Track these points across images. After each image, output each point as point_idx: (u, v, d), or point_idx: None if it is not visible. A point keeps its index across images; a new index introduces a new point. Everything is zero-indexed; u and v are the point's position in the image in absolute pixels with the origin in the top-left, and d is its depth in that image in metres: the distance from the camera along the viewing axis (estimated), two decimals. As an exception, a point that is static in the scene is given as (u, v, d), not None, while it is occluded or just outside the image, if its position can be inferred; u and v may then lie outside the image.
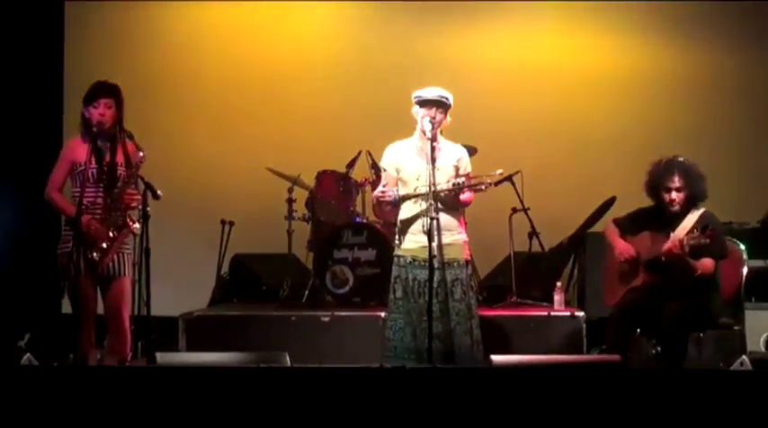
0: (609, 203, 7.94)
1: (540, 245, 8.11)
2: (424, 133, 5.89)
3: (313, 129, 8.95)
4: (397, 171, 6.00)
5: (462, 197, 5.91)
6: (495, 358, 5.06)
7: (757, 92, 8.88)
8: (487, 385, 4.27)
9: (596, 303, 7.04)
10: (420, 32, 9.02)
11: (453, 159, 5.98)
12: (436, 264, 5.78)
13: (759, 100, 8.88)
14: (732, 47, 8.86)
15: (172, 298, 7.10)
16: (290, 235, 8.09)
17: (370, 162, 7.94)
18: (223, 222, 8.34)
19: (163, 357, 5.02)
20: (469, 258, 6.03)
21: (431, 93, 5.92)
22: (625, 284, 6.29)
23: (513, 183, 7.88)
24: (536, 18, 9.04)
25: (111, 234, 5.71)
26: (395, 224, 6.11)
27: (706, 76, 8.91)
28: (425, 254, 5.73)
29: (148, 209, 5.70)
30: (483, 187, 5.92)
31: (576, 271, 8.09)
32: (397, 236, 6.04)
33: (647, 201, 6.35)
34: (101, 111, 5.75)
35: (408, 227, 5.94)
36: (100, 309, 5.87)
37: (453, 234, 5.93)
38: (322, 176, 7.97)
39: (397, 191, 5.94)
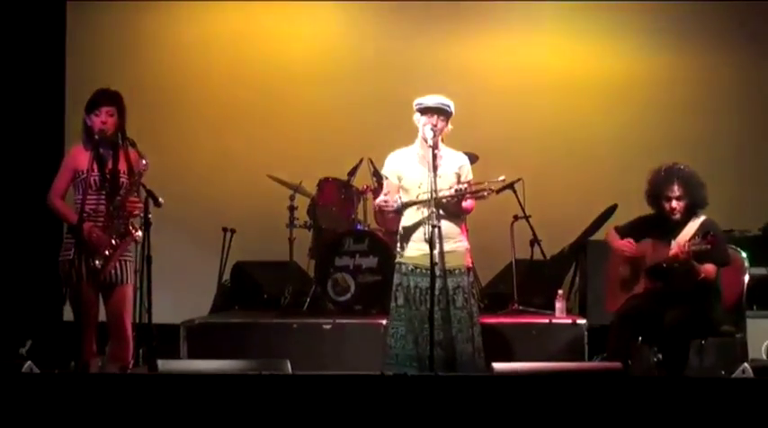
0: (610, 211, 7.95)
1: (542, 252, 8.11)
2: (425, 141, 5.89)
3: (314, 136, 8.95)
4: (399, 179, 6.01)
5: (464, 204, 5.92)
6: (497, 365, 5.07)
7: (757, 95, 8.88)
8: (489, 393, 4.27)
9: (598, 311, 7.03)
10: (422, 40, 9.02)
11: (455, 167, 5.98)
12: (438, 272, 5.78)
13: (759, 103, 8.87)
14: (732, 50, 8.86)
15: (173, 305, 7.11)
16: (292, 242, 8.10)
17: (372, 169, 7.94)
18: (225, 230, 8.34)
19: (164, 364, 5.02)
20: (471, 266, 6.03)
21: (432, 100, 5.93)
22: (626, 291, 6.29)
23: (515, 191, 7.89)
24: (537, 25, 9.05)
25: (113, 241, 5.72)
26: (396, 231, 6.11)
27: (707, 82, 8.91)
28: (427, 262, 5.72)
29: (150, 216, 5.70)
30: (485, 194, 5.92)
31: (577, 278, 8.09)
32: (398, 244, 6.04)
33: (648, 209, 6.35)
34: (102, 119, 5.76)
35: (410, 235, 5.94)
36: (102, 317, 5.87)
37: (455, 241, 5.93)
38: (323, 184, 7.97)
39: (400, 198, 5.94)
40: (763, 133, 8.85)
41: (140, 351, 6.03)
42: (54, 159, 8.38)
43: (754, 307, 7.14)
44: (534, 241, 8.04)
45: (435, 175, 5.82)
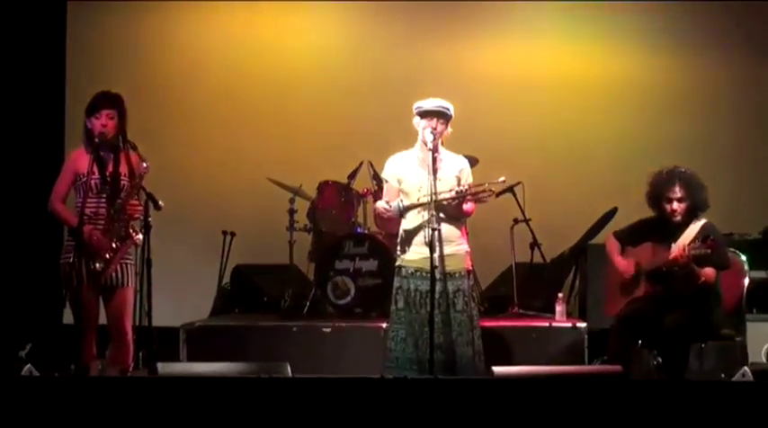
0: (610, 214, 7.95)
1: (542, 255, 8.11)
2: (425, 144, 5.89)
3: (314, 139, 8.95)
4: (399, 182, 6.01)
5: (465, 207, 5.91)
6: (497, 369, 5.07)
7: (756, 97, 8.88)
8: (489, 396, 4.27)
9: (598, 314, 7.03)
10: (421, 44, 9.02)
11: (455, 170, 5.98)
12: (438, 275, 5.78)
13: (758, 105, 8.87)
14: (730, 51, 8.85)
15: (173, 308, 7.12)
16: (292, 245, 8.10)
17: (372, 173, 7.94)
18: (224, 233, 8.33)
19: (164, 367, 5.02)
20: (471, 269, 6.03)
21: (431, 103, 5.93)
22: (626, 295, 6.29)
23: (515, 194, 7.89)
24: (537, 29, 9.04)
25: (113, 244, 5.72)
26: (396, 235, 6.11)
27: (706, 84, 8.90)
28: (427, 265, 5.72)
29: (150, 219, 5.70)
30: (486, 195, 5.92)
31: (577, 281, 8.09)
32: (398, 247, 6.04)
33: (648, 212, 6.35)
34: (103, 122, 5.76)
35: (410, 238, 5.94)
36: (102, 320, 5.88)
37: (455, 244, 5.93)
38: (323, 187, 7.97)
39: (401, 201, 5.93)
40: (762, 135, 8.84)
41: (140, 354, 6.04)
42: (54, 161, 8.40)
43: (754, 311, 7.14)
44: (534, 244, 8.04)
45: (435, 178, 5.82)
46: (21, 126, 8.53)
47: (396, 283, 5.99)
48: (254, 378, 4.59)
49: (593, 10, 8.98)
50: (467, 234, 6.06)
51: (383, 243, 7.49)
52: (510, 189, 7.83)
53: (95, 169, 5.75)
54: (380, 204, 6.03)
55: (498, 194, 7.60)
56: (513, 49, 9.10)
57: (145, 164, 5.77)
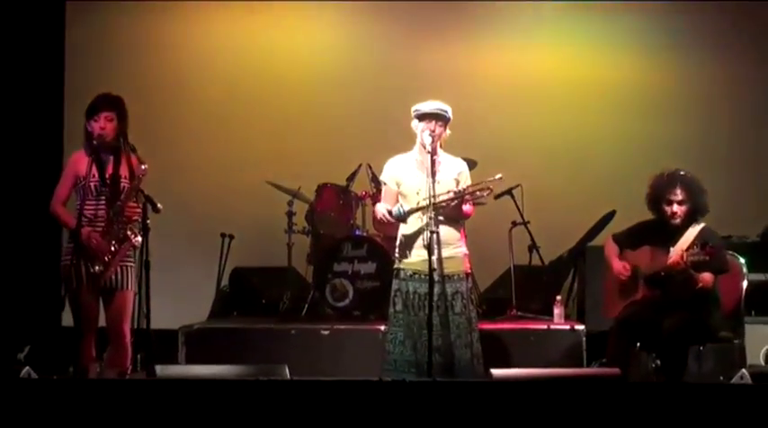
0: (609, 217, 7.95)
1: (540, 258, 8.11)
2: (423, 147, 5.89)
3: (313, 142, 8.95)
4: (398, 185, 6.01)
5: (464, 208, 5.92)
6: (495, 371, 5.08)
7: (755, 99, 8.88)
8: (487, 398, 4.27)
9: (596, 316, 7.03)
10: (420, 45, 9.02)
11: (454, 173, 5.98)
12: (436, 278, 5.78)
13: (757, 107, 8.87)
14: (730, 55, 8.85)
15: (171, 310, 7.09)
16: (290, 248, 8.09)
17: (371, 175, 7.94)
18: (223, 235, 8.33)
19: (162, 370, 5.02)
20: (470, 271, 6.03)
21: (429, 106, 5.93)
22: (625, 298, 6.29)
23: (513, 197, 7.90)
24: (535, 31, 9.05)
25: (112, 247, 5.72)
26: (395, 237, 6.11)
27: (706, 88, 8.90)
28: (426, 268, 5.72)
29: (148, 222, 5.70)
30: (484, 195, 5.92)
31: (575, 284, 8.09)
32: (397, 250, 6.04)
33: (646, 215, 6.36)
34: (101, 125, 5.77)
35: (409, 241, 5.94)
36: (102, 322, 5.88)
37: (453, 247, 5.93)
38: (322, 189, 7.97)
39: (402, 206, 5.93)
40: (761, 136, 8.84)
41: (139, 356, 6.03)
42: (53, 163, 8.42)
43: (753, 313, 7.14)
44: (533, 247, 8.04)
45: (434, 181, 5.82)
46: (19, 127, 8.52)
47: (394, 286, 5.99)
48: (252, 381, 4.59)
49: (591, 11, 8.98)
50: (465, 237, 6.06)
51: (381, 245, 7.49)
52: (508, 191, 7.84)
53: (94, 172, 5.75)
54: (380, 210, 6.01)
55: (497, 197, 7.62)
56: (511, 52, 9.10)
57: (143, 167, 5.77)
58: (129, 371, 5.82)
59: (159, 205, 5.73)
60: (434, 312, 5.75)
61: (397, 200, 6.00)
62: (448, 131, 5.98)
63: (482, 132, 8.52)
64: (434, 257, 5.73)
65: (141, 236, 5.71)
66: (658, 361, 6.26)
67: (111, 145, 5.80)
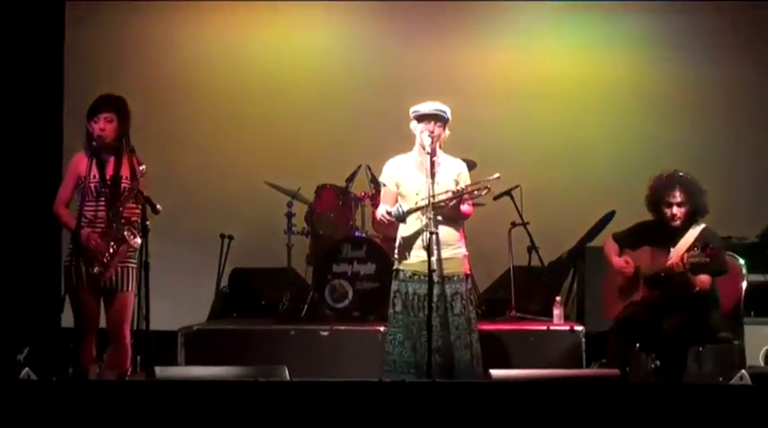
0: (608, 217, 7.95)
1: (540, 259, 8.11)
2: (423, 148, 5.89)
3: (312, 143, 8.94)
4: (397, 186, 6.01)
5: (463, 208, 5.91)
6: (495, 372, 5.07)
7: (754, 101, 8.88)
8: (487, 399, 4.27)
9: (595, 317, 7.04)
10: (419, 47, 9.02)
11: (453, 174, 5.98)
12: (436, 279, 5.78)
13: (755, 109, 8.87)
14: (729, 57, 8.85)
15: (171, 311, 7.08)
16: (290, 249, 8.10)
17: (370, 176, 7.94)
18: (222, 236, 8.33)
19: (162, 371, 5.02)
20: (469, 272, 6.03)
21: (428, 107, 5.93)
22: (624, 298, 6.30)
23: (513, 198, 7.90)
24: (536, 33, 9.04)
25: (111, 248, 5.72)
26: (394, 238, 6.11)
27: (705, 89, 8.89)
28: (425, 269, 5.72)
29: (148, 223, 5.70)
30: (482, 194, 5.92)
31: (575, 285, 8.09)
32: (396, 251, 6.04)
33: (646, 216, 6.36)
34: (101, 126, 5.77)
35: (408, 242, 5.94)
36: (103, 323, 5.88)
37: (453, 248, 5.93)
38: (321, 190, 7.97)
39: (401, 206, 5.93)
40: (760, 136, 8.83)
41: (138, 357, 6.04)
42: (52, 164, 8.42)
43: (752, 314, 7.14)
44: (532, 247, 8.04)
45: (433, 182, 5.82)
46: (18, 128, 8.51)
47: (393, 287, 5.99)
48: (251, 382, 4.58)
49: (590, 11, 8.98)
50: (465, 237, 6.06)
51: (381, 246, 7.49)
52: (508, 192, 7.84)
53: (95, 172, 5.76)
54: (381, 211, 6.02)
55: (496, 197, 7.63)
56: (511, 52, 9.09)
57: (141, 168, 5.77)
58: (128, 373, 5.82)
59: (158, 206, 5.73)
60: (434, 313, 5.75)
61: (397, 201, 6.00)
62: (447, 132, 5.98)
63: (481, 133, 8.51)
64: (434, 258, 5.73)
65: (140, 237, 5.71)
66: (658, 362, 6.27)
67: (111, 146, 5.80)
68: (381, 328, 6.54)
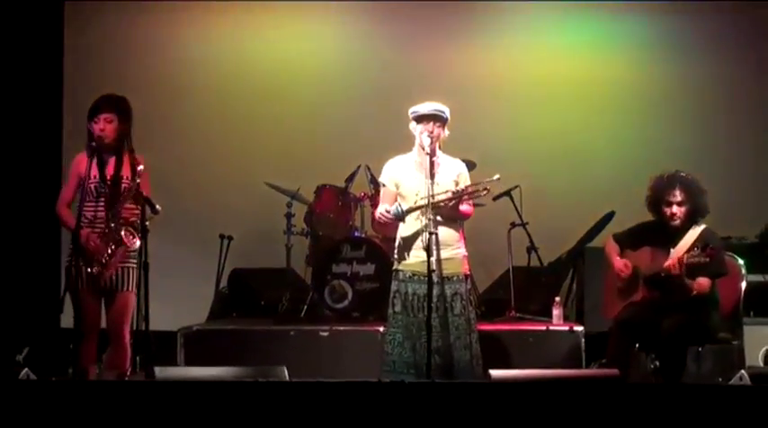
0: (607, 218, 7.95)
1: (539, 259, 8.11)
2: (422, 148, 5.89)
3: (312, 143, 8.95)
4: (397, 186, 6.00)
5: (462, 208, 5.91)
6: (494, 373, 5.07)
7: (752, 102, 8.88)
8: (486, 400, 4.27)
9: (595, 317, 7.03)
10: (419, 47, 9.01)
11: (453, 174, 5.98)
12: (435, 279, 5.78)
13: (753, 110, 8.87)
14: (728, 58, 8.85)
15: (170, 312, 7.08)
16: (289, 249, 8.10)
17: (369, 176, 7.94)
18: (222, 236, 8.33)
19: (161, 371, 5.02)
20: (469, 273, 6.03)
21: (426, 107, 5.93)
22: (624, 298, 6.30)
23: (512, 198, 7.90)
24: (534, 33, 9.05)
25: (109, 249, 5.72)
26: (394, 239, 6.11)
27: (704, 90, 8.89)
28: (425, 269, 5.72)
29: (147, 223, 5.70)
30: (482, 194, 5.92)
31: (574, 285, 8.09)
32: (396, 251, 6.03)
33: (646, 216, 6.36)
34: (101, 126, 5.78)
35: (408, 243, 5.94)
36: (103, 323, 5.88)
37: (452, 248, 5.93)
38: (321, 191, 7.97)
39: (400, 205, 5.92)
40: (760, 137, 8.83)
41: (138, 358, 6.04)
42: (51, 164, 8.41)
43: (752, 314, 7.14)
44: (531, 248, 8.05)
45: (433, 183, 5.82)
46: (18, 128, 8.51)
47: (393, 287, 5.99)
48: (251, 382, 4.59)
49: (590, 11, 8.98)
50: (464, 238, 6.06)
51: (380, 246, 7.49)
52: (507, 192, 7.84)
53: (95, 173, 5.76)
54: (380, 210, 6.02)
55: (495, 198, 7.63)
56: (510, 52, 9.09)
57: (139, 168, 5.77)
58: (128, 373, 5.82)
59: (158, 206, 5.73)
60: (433, 313, 5.75)
61: (396, 202, 5.99)
62: (446, 131, 5.98)
63: (481, 133, 8.52)
64: (433, 258, 5.73)
65: (139, 238, 5.71)
66: (657, 362, 6.27)
67: (111, 146, 5.81)
68: (381, 329, 6.55)
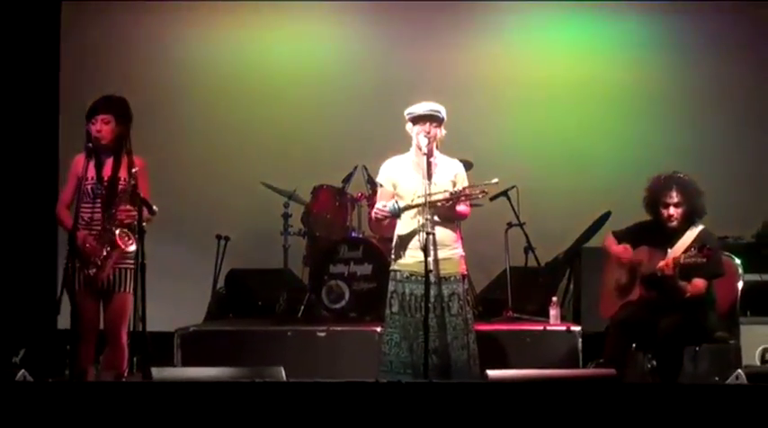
0: (604, 218, 7.95)
1: (536, 259, 8.11)
2: (419, 149, 5.89)
3: (309, 144, 8.95)
4: (394, 186, 6.00)
5: (459, 209, 5.91)
6: (491, 373, 5.08)
7: (750, 103, 8.88)
8: (483, 400, 4.27)
9: (592, 317, 7.03)
10: (415, 48, 9.02)
11: (450, 174, 5.98)
12: (433, 279, 5.78)
13: (752, 111, 8.88)
14: (726, 59, 8.85)
15: (167, 313, 7.10)
16: (286, 250, 8.10)
17: (366, 177, 7.95)
18: (219, 237, 8.32)
19: (158, 372, 5.02)
20: (466, 273, 6.03)
21: (422, 108, 5.92)
22: (622, 297, 6.30)
23: (509, 198, 7.90)
24: (531, 33, 9.05)
25: (104, 250, 5.71)
26: (391, 239, 6.11)
27: (701, 90, 8.90)
28: (422, 269, 5.72)
29: (144, 224, 5.69)
30: (479, 196, 5.92)
31: (571, 285, 8.08)
32: (393, 252, 6.03)
33: (641, 217, 6.36)
34: (97, 127, 5.78)
35: (405, 243, 5.93)
36: (102, 324, 5.88)
37: (450, 249, 5.93)
38: (318, 191, 7.97)
39: (396, 202, 5.92)
40: (757, 137, 8.84)
41: (135, 358, 6.04)
42: (48, 165, 8.41)
43: (748, 314, 7.15)
44: (528, 248, 8.05)
45: (430, 183, 5.82)
46: (14, 129, 8.50)
47: (390, 287, 5.98)
48: (248, 383, 4.58)
49: (588, 12, 8.98)
50: (461, 238, 6.06)
51: (378, 247, 7.49)
52: (504, 193, 7.84)
53: (92, 174, 5.76)
54: (376, 206, 6.02)
55: (492, 198, 7.62)
56: (507, 52, 9.10)
57: (134, 170, 5.75)
58: (125, 374, 5.81)
59: (155, 207, 5.72)
60: (431, 313, 5.75)
61: (395, 201, 5.99)
62: (443, 131, 5.97)
63: (478, 133, 8.52)
64: (430, 259, 5.73)
65: (136, 239, 5.70)
66: (654, 362, 6.27)
67: (108, 147, 5.80)
68: (378, 329, 6.54)
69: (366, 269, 7.52)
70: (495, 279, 8.29)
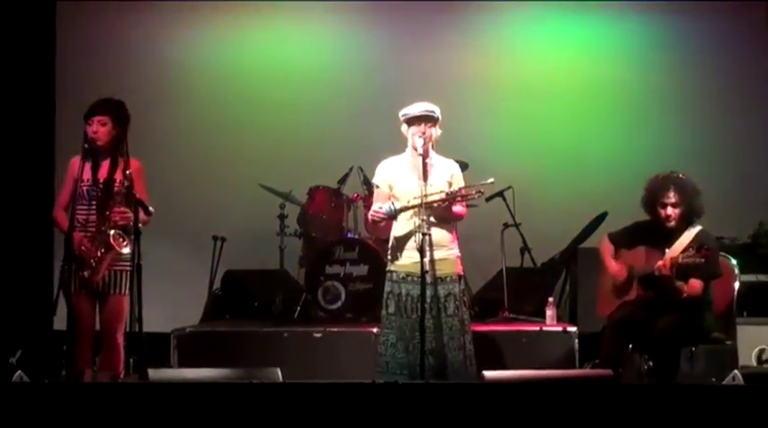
0: (600, 218, 7.96)
1: (532, 260, 8.12)
2: (415, 150, 5.89)
3: (305, 145, 8.94)
4: (390, 187, 6.00)
5: (455, 209, 5.90)
6: (488, 373, 5.07)
7: (748, 103, 8.89)
8: (480, 400, 4.27)
9: (588, 318, 7.04)
10: (413, 49, 9.02)
11: (446, 175, 5.98)
12: (429, 280, 5.78)
13: (748, 110, 8.88)
14: (723, 59, 8.86)
15: (164, 314, 7.09)
16: (282, 251, 8.11)
17: (362, 178, 7.95)
18: (215, 238, 8.32)
19: (155, 373, 5.01)
20: (462, 273, 6.02)
21: (417, 108, 5.92)
22: (619, 297, 6.31)
23: (505, 199, 7.91)
24: (528, 34, 9.06)
25: (99, 252, 5.70)
26: (387, 239, 6.10)
27: (697, 91, 8.91)
28: (418, 270, 5.72)
29: (140, 226, 5.68)
30: (476, 196, 5.92)
31: (567, 286, 8.10)
32: (389, 253, 6.03)
33: (638, 217, 6.37)
34: (94, 129, 5.77)
35: (401, 243, 5.93)
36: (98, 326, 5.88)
37: (446, 249, 5.92)
38: (314, 192, 7.97)
39: (393, 203, 5.92)
40: (753, 138, 8.84)
41: (131, 360, 6.03)
42: (44, 166, 8.40)
43: (745, 314, 7.15)
44: (524, 249, 8.06)
45: (426, 184, 5.82)
46: (10, 130, 8.49)
47: (386, 288, 5.98)
48: (244, 384, 4.58)
49: (585, 13, 8.99)
50: (457, 239, 6.06)
51: (374, 248, 7.49)
52: (500, 193, 7.85)
53: (88, 176, 5.75)
54: (372, 208, 6.02)
55: (488, 199, 7.63)
56: (502, 54, 9.10)
57: (128, 172, 5.74)
58: (121, 375, 5.81)
59: (151, 208, 5.72)
60: (427, 314, 5.75)
61: (392, 202, 5.99)
62: (439, 131, 5.97)
63: (474, 134, 8.53)
64: (427, 259, 5.73)
65: (132, 240, 5.69)
66: (651, 363, 6.27)
67: (103, 149, 5.80)
68: (374, 329, 6.54)
69: (362, 270, 7.52)
70: (491, 279, 8.29)
